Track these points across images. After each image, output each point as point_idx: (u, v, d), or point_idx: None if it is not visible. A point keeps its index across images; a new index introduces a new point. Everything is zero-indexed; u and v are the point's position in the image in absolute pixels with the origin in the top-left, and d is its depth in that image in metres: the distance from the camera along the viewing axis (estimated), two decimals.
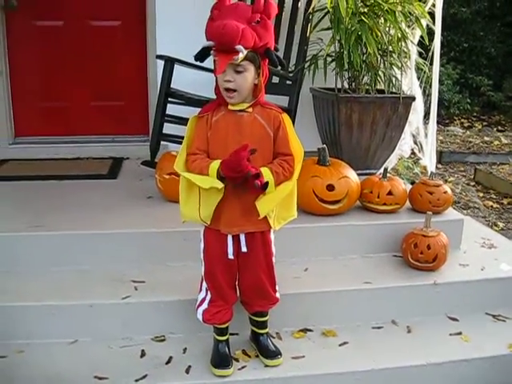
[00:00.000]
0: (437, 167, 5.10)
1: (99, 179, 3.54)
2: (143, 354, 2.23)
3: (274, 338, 2.32)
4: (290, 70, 3.58)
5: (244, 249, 2.04)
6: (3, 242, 2.58)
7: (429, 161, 3.98)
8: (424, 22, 3.51)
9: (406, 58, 3.65)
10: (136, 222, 2.75)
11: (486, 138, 7.65)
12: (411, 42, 3.62)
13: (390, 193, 2.93)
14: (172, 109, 3.44)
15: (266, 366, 2.17)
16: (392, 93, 3.61)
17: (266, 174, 1.91)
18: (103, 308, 2.34)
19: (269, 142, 1.97)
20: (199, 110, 2.02)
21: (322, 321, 2.46)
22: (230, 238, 2.03)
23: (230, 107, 1.94)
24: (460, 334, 2.44)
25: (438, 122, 4.09)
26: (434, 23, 3.63)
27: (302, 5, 3.67)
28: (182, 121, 3.18)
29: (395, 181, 3.01)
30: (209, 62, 1.94)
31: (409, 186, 3.18)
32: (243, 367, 2.16)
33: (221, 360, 2.14)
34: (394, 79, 3.64)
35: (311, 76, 3.58)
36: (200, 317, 2.14)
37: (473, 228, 3.32)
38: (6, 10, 4.01)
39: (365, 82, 3.60)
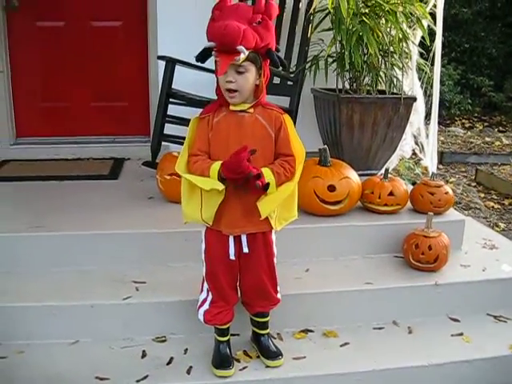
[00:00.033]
0: (438, 168, 5.10)
1: (100, 180, 3.54)
2: (144, 354, 2.23)
3: (275, 338, 2.32)
4: (291, 70, 3.58)
5: (245, 250, 2.04)
6: (4, 242, 2.58)
7: (430, 161, 3.97)
8: (425, 23, 3.51)
9: (407, 59, 3.64)
10: (137, 223, 2.75)
11: (487, 139, 7.65)
12: (412, 42, 3.62)
13: (391, 193, 2.93)
14: (173, 109, 3.44)
15: (267, 366, 2.17)
16: (393, 93, 3.61)
17: (267, 175, 1.91)
18: (104, 308, 2.33)
19: (270, 143, 1.97)
20: (200, 110, 2.02)
21: (323, 321, 2.46)
22: (231, 239, 2.02)
23: (231, 107, 1.94)
24: (461, 334, 2.44)
25: (439, 123, 4.09)
26: (435, 24, 3.63)
27: (303, 5, 3.67)
28: (183, 121, 3.19)
29: (396, 181, 3.01)
30: (210, 63, 1.94)
31: (410, 187, 3.19)
32: (244, 368, 2.16)
33: (222, 361, 2.14)
34: (395, 80, 3.64)
35: (312, 77, 3.58)
36: (201, 317, 2.14)
37: (474, 229, 3.32)
38: (7, 10, 4.01)
39: (366, 83, 3.60)
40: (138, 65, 4.20)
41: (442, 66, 4.52)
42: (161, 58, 3.47)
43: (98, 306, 2.33)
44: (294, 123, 2.06)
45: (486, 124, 8.76)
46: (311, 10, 3.42)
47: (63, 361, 2.17)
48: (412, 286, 2.58)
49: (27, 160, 3.98)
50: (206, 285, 2.13)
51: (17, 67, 4.12)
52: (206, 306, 2.13)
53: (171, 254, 2.64)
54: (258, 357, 2.21)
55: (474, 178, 6.01)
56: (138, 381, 2.06)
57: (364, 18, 3.34)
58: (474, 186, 5.72)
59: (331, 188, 2.82)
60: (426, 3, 3.56)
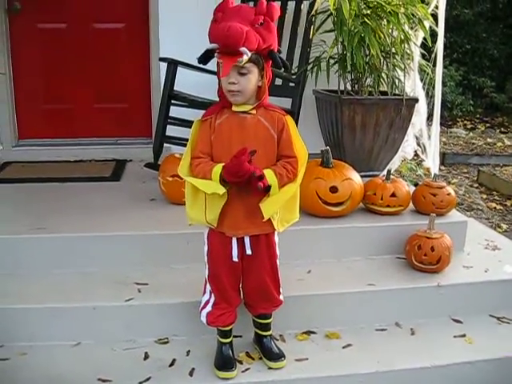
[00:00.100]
0: (440, 169, 5.11)
1: (102, 181, 3.55)
2: (146, 356, 2.22)
3: (277, 340, 2.32)
4: (292, 72, 3.58)
5: (248, 251, 2.03)
6: (5, 244, 2.58)
7: (432, 162, 3.97)
8: (427, 24, 3.50)
9: (408, 60, 3.64)
10: (139, 225, 2.75)
11: (489, 140, 7.64)
12: (414, 43, 3.61)
13: (393, 195, 2.93)
14: (175, 111, 3.44)
15: (270, 368, 2.17)
16: (395, 95, 3.60)
17: (270, 176, 1.91)
18: (106, 310, 2.33)
19: (273, 144, 1.97)
20: (202, 112, 2.01)
21: (325, 323, 2.45)
22: (234, 241, 2.02)
23: (233, 108, 1.93)
24: (464, 336, 2.43)
25: (440, 124, 4.09)
26: (436, 25, 3.63)
27: (304, 7, 3.67)
28: (185, 123, 3.19)
29: (398, 183, 3.00)
30: (212, 65, 1.94)
31: (412, 188, 3.18)
32: (247, 369, 2.16)
33: (224, 362, 2.13)
34: (397, 81, 3.64)
35: (314, 78, 3.57)
36: (204, 319, 2.14)
37: (476, 230, 3.31)
38: (9, 12, 4.02)
39: (368, 84, 3.60)
40: (140, 66, 4.21)
41: (444, 67, 4.51)
42: (163, 59, 3.48)
43: (100, 307, 2.33)
44: (296, 125, 2.06)
45: (487, 125, 8.75)
46: (313, 12, 3.42)
47: (65, 363, 2.17)
48: (414, 287, 2.57)
49: (29, 162, 3.98)
50: (208, 287, 2.13)
51: (19, 69, 4.13)
52: (209, 307, 2.12)
53: (173, 255, 2.64)
54: (261, 358, 2.21)
55: (476, 179, 6.00)
56: (140, 383, 2.06)
57: (366, 20, 3.34)
58: (476, 187, 5.71)
59: (333, 189, 2.82)
60: (427, 4, 3.56)
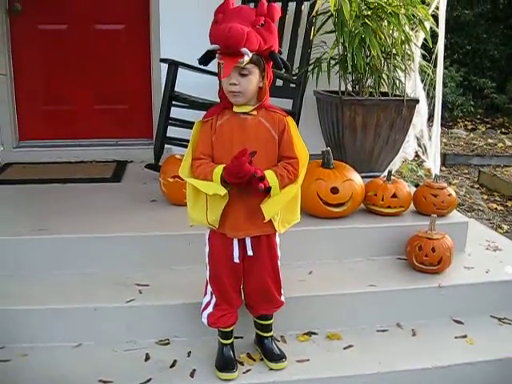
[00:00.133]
0: (441, 170, 5.10)
1: (103, 182, 3.55)
2: (147, 357, 2.22)
3: (278, 341, 2.32)
4: (293, 73, 3.58)
5: (250, 252, 2.03)
6: (6, 245, 2.59)
7: (433, 163, 3.97)
8: (427, 25, 3.51)
9: (409, 61, 3.64)
10: (140, 226, 2.75)
11: (489, 141, 7.63)
12: (415, 44, 3.61)
13: (394, 195, 2.93)
14: (176, 112, 3.44)
15: (271, 369, 2.17)
16: (396, 95, 3.60)
17: (271, 177, 1.91)
18: (107, 311, 2.33)
19: (274, 145, 1.96)
20: (203, 113, 2.02)
21: (326, 324, 2.45)
22: (235, 242, 2.02)
23: (234, 109, 1.93)
24: (465, 337, 2.43)
25: (441, 125, 4.09)
26: (437, 26, 3.63)
27: (305, 8, 3.67)
28: (186, 124, 3.19)
29: (399, 183, 3.00)
30: (212, 66, 1.94)
31: (413, 189, 3.18)
32: (248, 371, 2.16)
33: (225, 363, 2.13)
34: (397, 82, 3.64)
35: (315, 79, 3.57)
36: (205, 320, 2.14)
37: (477, 230, 3.31)
38: (10, 13, 4.02)
39: (368, 85, 3.60)
40: (141, 67, 4.20)
41: (445, 67, 4.51)
42: (163, 60, 3.48)
43: (101, 308, 2.33)
44: (297, 125, 2.06)
45: (488, 126, 8.75)
46: (314, 13, 3.42)
47: (67, 364, 2.17)
48: (415, 288, 2.57)
49: (30, 163, 3.98)
50: (209, 288, 2.13)
51: (19, 70, 4.13)
52: (210, 308, 2.12)
53: (174, 256, 2.64)
54: (262, 359, 2.21)
55: (476, 179, 6.00)
56: None
57: (366, 21, 3.34)
58: (477, 188, 5.71)
59: (334, 190, 2.82)
60: (428, 5, 3.56)
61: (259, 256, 2.05)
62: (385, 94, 3.60)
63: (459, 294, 2.60)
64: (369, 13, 3.42)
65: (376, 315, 2.51)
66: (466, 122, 8.87)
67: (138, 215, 2.90)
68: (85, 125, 4.28)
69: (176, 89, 3.42)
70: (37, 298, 2.37)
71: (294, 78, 3.53)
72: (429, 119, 3.95)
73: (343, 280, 2.61)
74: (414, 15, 3.45)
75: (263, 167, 1.91)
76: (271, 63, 1.91)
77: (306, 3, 3.67)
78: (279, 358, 2.19)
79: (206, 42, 1.84)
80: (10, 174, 3.77)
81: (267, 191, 1.91)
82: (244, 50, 1.76)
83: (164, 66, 3.49)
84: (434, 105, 3.86)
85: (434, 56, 3.71)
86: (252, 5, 3.66)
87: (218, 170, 1.90)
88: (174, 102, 3.43)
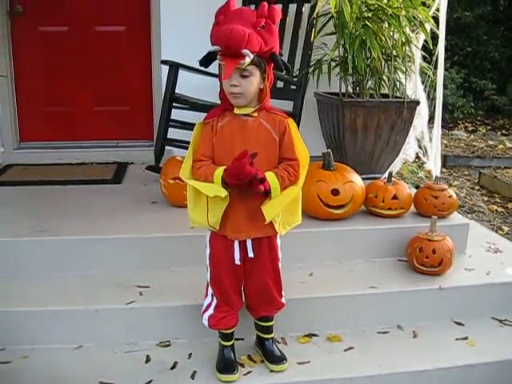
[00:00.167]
0: (441, 171, 5.10)
1: (103, 184, 3.55)
2: (148, 359, 2.22)
3: (279, 343, 2.32)
4: (294, 74, 3.58)
5: (251, 254, 2.03)
6: (7, 246, 2.59)
7: (433, 165, 3.97)
8: (428, 27, 3.51)
9: (410, 63, 3.65)
10: (140, 227, 2.75)
11: (490, 142, 7.63)
12: (415, 46, 3.62)
13: (394, 197, 2.93)
14: (176, 114, 3.44)
15: (272, 371, 2.16)
16: (396, 97, 3.60)
17: (272, 179, 1.91)
18: (108, 313, 2.33)
19: (274, 147, 1.97)
20: (204, 114, 2.02)
21: (327, 326, 2.45)
22: (236, 244, 2.02)
23: (235, 111, 1.93)
24: (466, 338, 2.43)
25: (442, 126, 4.09)
26: (437, 27, 3.63)
27: (306, 10, 3.67)
28: (187, 125, 3.20)
29: (400, 185, 3.00)
30: (213, 67, 1.94)
31: (414, 191, 3.18)
32: (248, 372, 2.15)
33: (226, 365, 2.13)
34: (398, 83, 3.64)
35: (315, 81, 3.58)
36: (206, 322, 2.14)
37: (478, 232, 3.31)
38: (11, 15, 4.02)
39: (369, 87, 3.60)
40: (142, 69, 4.21)
41: (445, 69, 4.51)
42: (164, 62, 3.48)
43: (102, 310, 2.33)
44: (298, 127, 2.05)
45: (488, 127, 8.75)
46: (314, 15, 3.42)
47: (67, 365, 2.17)
48: (416, 289, 2.57)
49: (31, 164, 3.98)
50: (210, 289, 2.13)
51: (20, 72, 4.13)
52: (211, 310, 2.12)
53: (175, 258, 2.64)
54: (263, 361, 2.21)
55: (477, 181, 6.00)
56: None
57: (367, 22, 3.34)
58: (478, 190, 5.71)
59: (335, 192, 2.82)
60: (428, 7, 3.56)
61: (260, 258, 2.05)
62: (385, 95, 3.60)
63: (460, 296, 2.60)
64: (369, 15, 3.42)
65: (376, 317, 2.51)
66: (466, 124, 8.87)
67: (138, 217, 2.90)
68: (85, 126, 4.28)
69: (177, 90, 3.42)
70: (37, 300, 2.36)
71: (295, 79, 3.53)
72: (429, 121, 3.95)
73: (344, 282, 2.61)
74: (414, 17, 3.46)
75: (264, 169, 1.91)
76: (272, 65, 1.92)
77: (306, 5, 3.67)
78: (280, 359, 2.18)
79: (207, 42, 1.85)
80: (11, 175, 3.78)
81: (266, 194, 1.91)
82: (245, 51, 1.76)
83: (165, 68, 3.49)
84: (435, 106, 3.86)
85: (434, 58, 3.71)
86: (253, 7, 3.66)
87: (219, 171, 1.90)
88: (174, 104, 3.43)
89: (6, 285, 2.47)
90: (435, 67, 3.73)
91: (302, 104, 3.55)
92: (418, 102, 3.63)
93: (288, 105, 3.41)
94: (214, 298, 2.11)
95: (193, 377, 2.12)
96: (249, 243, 2.02)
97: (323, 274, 2.67)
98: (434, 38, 3.63)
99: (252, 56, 1.79)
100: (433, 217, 2.73)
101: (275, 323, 2.23)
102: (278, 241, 2.10)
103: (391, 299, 2.53)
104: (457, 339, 2.43)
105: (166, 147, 3.52)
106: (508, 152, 7.15)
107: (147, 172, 3.58)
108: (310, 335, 2.42)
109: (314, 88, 3.66)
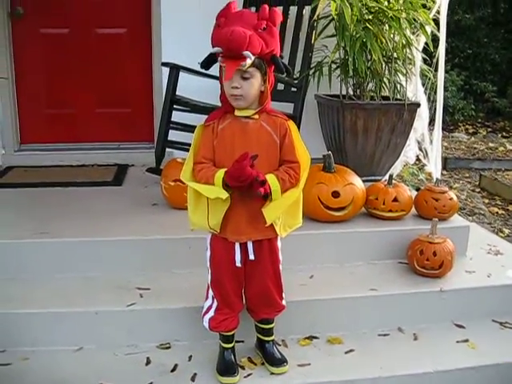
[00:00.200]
0: (442, 174, 5.09)
1: (104, 186, 3.55)
2: (148, 361, 2.22)
3: (279, 345, 2.32)
4: (294, 77, 3.58)
5: (251, 256, 2.03)
6: (8, 249, 2.59)
7: (434, 167, 3.96)
8: (428, 29, 3.51)
9: (410, 65, 3.65)
10: (141, 229, 2.75)
11: (490, 144, 7.63)
12: (416, 48, 3.62)
13: (395, 199, 2.92)
14: (177, 116, 3.44)
15: (272, 373, 2.16)
16: (397, 99, 3.61)
17: (272, 181, 1.91)
18: (108, 315, 2.33)
19: (275, 149, 1.97)
20: (204, 117, 2.02)
21: (327, 328, 2.45)
22: (237, 246, 2.02)
23: (236, 113, 1.94)
24: (467, 341, 2.43)
25: (442, 129, 4.08)
26: (438, 30, 3.63)
27: (306, 12, 3.67)
28: (188, 128, 3.20)
29: (400, 187, 3.00)
30: (214, 70, 1.94)
31: (414, 193, 3.18)
32: (249, 375, 2.15)
33: (226, 367, 2.13)
34: (398, 86, 3.65)
35: (316, 83, 3.58)
36: (206, 324, 2.14)
37: (478, 234, 3.31)
38: (12, 17, 4.03)
39: (370, 89, 3.60)
40: (143, 71, 4.21)
41: (446, 71, 4.51)
42: (165, 64, 3.48)
43: (102, 312, 2.33)
44: (298, 129, 2.05)
45: (489, 129, 8.74)
46: (315, 17, 3.42)
47: (68, 367, 2.17)
48: (417, 292, 2.57)
49: (31, 166, 3.99)
50: (211, 292, 2.12)
51: (21, 74, 4.14)
52: (211, 313, 2.12)
53: (175, 260, 2.64)
54: (263, 364, 2.21)
55: (478, 183, 6.00)
56: None
57: (368, 25, 3.35)
58: (478, 192, 5.71)
59: (335, 194, 2.82)
60: (429, 9, 3.57)
61: (261, 260, 2.05)
62: (386, 97, 3.61)
63: (461, 298, 2.60)
64: (370, 17, 3.43)
65: (377, 319, 2.51)
66: (467, 126, 8.87)
67: (139, 219, 2.90)
68: (86, 128, 4.29)
69: (177, 92, 3.43)
70: (38, 302, 2.37)
71: (296, 81, 3.53)
72: (430, 123, 3.95)
73: (344, 284, 2.61)
74: (415, 19, 3.46)
75: (264, 171, 1.91)
76: (273, 67, 1.92)
77: (307, 7, 3.67)
78: (280, 362, 2.18)
79: (208, 42, 1.85)
80: (12, 177, 3.78)
81: (265, 197, 1.91)
82: (246, 53, 1.77)
83: (166, 70, 3.49)
84: (435, 109, 3.86)
85: (435, 60, 3.71)
86: (253, 9, 3.67)
87: (220, 173, 1.90)
88: (175, 106, 3.44)
89: (7, 287, 2.47)
90: (436, 69, 3.73)
91: (303, 106, 3.54)
92: (418, 105, 3.63)
93: (288, 107, 3.40)
94: (215, 300, 2.11)
95: (193, 379, 2.11)
96: (249, 245, 2.02)
97: (324, 276, 2.67)
98: (435, 40, 3.63)
99: (253, 58, 1.80)
100: (433, 219, 2.73)
101: (276, 325, 2.23)
102: (279, 243, 2.10)
103: (392, 301, 2.53)
104: (458, 342, 2.42)
105: (167, 149, 3.52)
106: (508, 154, 7.15)
107: (148, 174, 3.58)
108: (311, 337, 2.42)
109: (314, 90, 3.66)
